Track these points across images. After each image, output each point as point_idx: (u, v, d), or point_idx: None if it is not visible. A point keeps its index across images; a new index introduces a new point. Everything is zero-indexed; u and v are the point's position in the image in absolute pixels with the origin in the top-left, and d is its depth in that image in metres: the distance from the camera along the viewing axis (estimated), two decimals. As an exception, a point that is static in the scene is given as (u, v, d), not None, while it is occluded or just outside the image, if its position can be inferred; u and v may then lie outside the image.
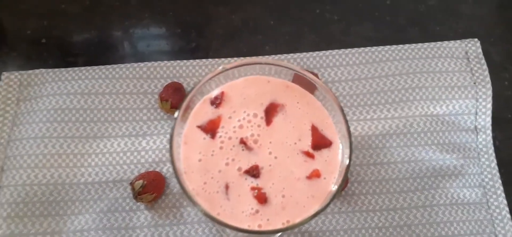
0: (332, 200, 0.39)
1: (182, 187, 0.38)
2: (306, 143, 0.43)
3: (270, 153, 0.43)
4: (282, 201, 0.41)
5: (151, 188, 0.56)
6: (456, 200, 0.59)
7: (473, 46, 0.66)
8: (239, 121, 0.45)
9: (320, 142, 0.43)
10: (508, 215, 0.59)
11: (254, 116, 0.45)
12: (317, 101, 0.46)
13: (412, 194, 0.60)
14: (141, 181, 0.56)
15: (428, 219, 0.59)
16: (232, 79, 0.46)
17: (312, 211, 0.39)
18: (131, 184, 0.57)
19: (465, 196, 0.60)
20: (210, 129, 0.44)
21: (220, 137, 0.44)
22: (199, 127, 0.44)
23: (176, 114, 0.42)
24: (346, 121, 0.41)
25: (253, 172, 0.42)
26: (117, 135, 0.61)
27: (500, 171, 0.61)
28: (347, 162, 0.41)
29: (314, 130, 0.44)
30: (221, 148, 0.43)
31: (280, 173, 0.42)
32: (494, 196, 0.60)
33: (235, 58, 0.66)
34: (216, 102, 0.45)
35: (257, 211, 0.41)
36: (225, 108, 0.45)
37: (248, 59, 0.44)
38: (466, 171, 0.61)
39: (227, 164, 0.43)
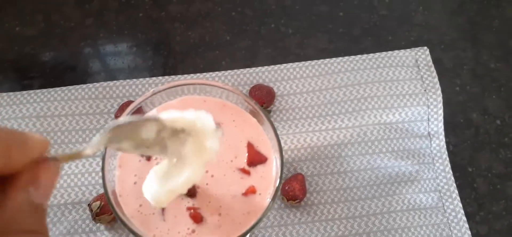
0: (265, 214, 0.40)
1: (114, 211, 0.38)
2: (242, 160, 0.44)
3: (206, 172, 0.43)
4: (218, 219, 0.41)
5: (109, 209, 0.56)
6: (413, 206, 0.61)
7: (423, 54, 0.68)
8: None
9: (255, 158, 0.44)
10: (464, 218, 0.60)
11: None
12: (253, 118, 0.46)
13: (369, 201, 0.61)
14: (98, 202, 0.56)
15: (386, 225, 0.60)
16: (167, 101, 0.46)
17: (247, 227, 0.39)
18: (89, 205, 0.57)
19: (421, 201, 0.61)
20: None
21: (156, 159, 0.44)
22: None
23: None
24: (277, 135, 0.42)
25: (190, 191, 0.42)
26: (74, 156, 0.61)
27: (454, 175, 0.63)
28: (278, 176, 0.42)
29: (250, 146, 0.44)
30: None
31: (216, 191, 0.42)
32: (450, 200, 0.61)
33: (192, 75, 0.66)
34: None
35: (193, 231, 0.41)
36: None
37: (180, 81, 0.44)
38: (422, 176, 0.62)
39: None
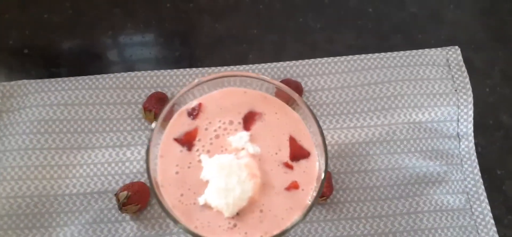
0: (309, 211, 0.39)
1: (158, 200, 0.38)
2: (285, 154, 0.43)
3: (259, 160, 0.43)
4: (260, 215, 0.41)
5: (136, 199, 0.56)
6: (440, 207, 0.60)
7: (454, 54, 0.67)
8: (215, 130, 0.45)
9: (298, 153, 0.43)
10: (492, 221, 0.60)
11: (230, 123, 0.45)
12: (295, 112, 0.46)
13: (396, 201, 0.60)
14: (125, 192, 0.56)
15: (412, 226, 0.59)
16: (208, 93, 0.46)
17: (290, 223, 0.39)
18: (116, 195, 0.57)
19: (448, 202, 0.60)
20: (187, 141, 0.44)
21: (197, 150, 0.44)
22: (175, 139, 0.44)
23: (153, 125, 0.42)
24: (322, 132, 0.42)
25: None
26: (101, 145, 0.61)
27: (483, 177, 0.62)
28: (323, 172, 0.41)
29: (292, 140, 0.44)
30: (199, 161, 0.43)
31: (261, 185, 0.42)
32: (478, 202, 0.60)
33: (219, 67, 0.66)
34: (193, 113, 0.45)
35: (235, 225, 0.41)
36: (202, 119, 0.45)
37: (224, 72, 0.44)
38: (449, 177, 0.62)
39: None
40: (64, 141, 0.60)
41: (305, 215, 0.39)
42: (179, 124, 0.45)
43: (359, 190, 0.60)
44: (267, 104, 0.46)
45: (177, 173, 0.42)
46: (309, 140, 0.44)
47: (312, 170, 0.43)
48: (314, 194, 0.40)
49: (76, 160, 0.60)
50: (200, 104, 0.46)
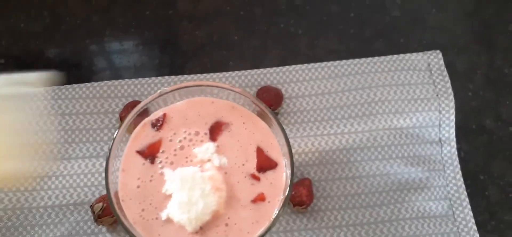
0: (274, 224, 0.39)
1: (117, 216, 0.37)
2: (252, 165, 0.43)
3: (225, 173, 0.42)
4: (225, 229, 0.40)
5: (111, 211, 0.55)
6: (423, 214, 0.59)
7: (435, 58, 0.66)
8: (180, 141, 0.44)
9: (265, 164, 0.42)
10: (474, 227, 0.59)
11: (196, 134, 0.44)
12: (263, 122, 0.45)
13: (377, 208, 0.59)
14: (101, 204, 0.55)
15: (394, 233, 0.58)
16: (173, 102, 0.45)
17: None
18: (91, 206, 0.56)
19: (431, 209, 0.60)
20: (150, 153, 0.43)
21: (160, 162, 0.43)
22: (138, 151, 0.43)
23: (115, 134, 0.41)
24: (288, 142, 0.41)
25: None
26: (77, 156, 0.60)
27: (466, 182, 0.61)
28: (289, 183, 0.40)
29: (260, 151, 0.43)
30: (161, 173, 0.42)
31: (226, 198, 0.41)
32: (460, 208, 0.60)
33: (199, 74, 0.65)
34: (157, 124, 0.44)
35: None
36: (166, 130, 0.44)
37: (188, 82, 0.43)
38: (432, 183, 0.61)
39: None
40: (39, 152, 0.59)
41: (270, 228, 0.38)
42: (142, 135, 0.44)
43: (341, 197, 0.60)
44: (235, 114, 0.45)
45: (138, 186, 0.41)
46: (276, 150, 0.43)
47: (279, 181, 0.42)
48: (281, 205, 0.39)
49: (51, 171, 0.59)
50: (164, 115, 0.45)
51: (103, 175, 0.59)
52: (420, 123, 0.63)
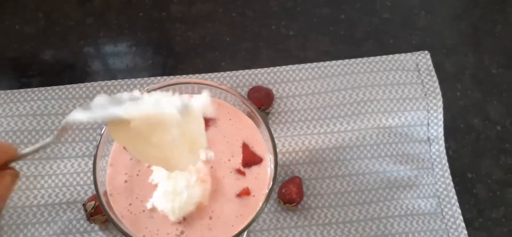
0: (257, 216, 0.39)
1: (105, 211, 0.38)
2: (238, 161, 0.43)
3: (211, 167, 0.43)
4: (209, 222, 0.41)
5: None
6: (411, 211, 0.60)
7: (424, 58, 0.68)
8: None
9: (250, 159, 0.43)
10: (463, 224, 0.60)
11: None
12: (249, 119, 0.46)
13: (367, 206, 0.60)
14: (93, 202, 0.56)
15: (383, 230, 0.59)
16: None
17: (239, 230, 0.39)
18: (84, 205, 0.56)
19: (420, 206, 0.60)
20: None
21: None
22: (125, 147, 0.44)
23: (103, 131, 0.42)
24: (272, 138, 0.42)
25: None
26: (70, 155, 0.61)
27: (454, 180, 0.62)
28: (273, 177, 0.41)
29: (245, 147, 0.44)
30: (148, 166, 0.43)
31: (211, 192, 0.42)
32: (448, 206, 0.61)
33: (191, 75, 0.66)
34: None
35: (182, 232, 0.40)
36: None
37: (175, 80, 0.44)
38: (420, 181, 0.62)
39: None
40: None
41: (253, 221, 0.39)
42: None
43: (330, 195, 0.60)
44: (221, 110, 0.46)
45: (125, 181, 0.42)
46: (262, 146, 0.44)
47: (264, 176, 0.43)
48: (265, 198, 0.40)
49: (44, 171, 0.59)
50: None
51: (96, 173, 0.60)
52: (409, 122, 0.64)
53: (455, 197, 0.61)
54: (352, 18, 0.73)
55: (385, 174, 0.61)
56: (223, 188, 0.42)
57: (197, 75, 0.66)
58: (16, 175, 0.32)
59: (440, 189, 0.62)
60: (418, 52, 0.68)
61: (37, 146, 0.34)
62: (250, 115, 0.45)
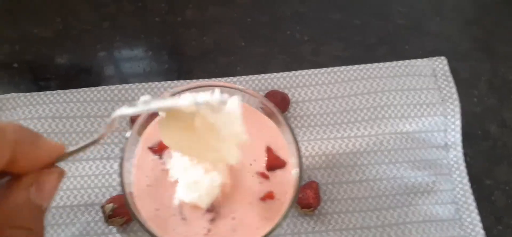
0: (283, 220, 0.39)
1: (132, 213, 0.38)
2: (261, 164, 0.43)
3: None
4: (233, 223, 0.40)
5: (122, 212, 0.56)
6: (429, 217, 0.60)
7: (440, 64, 0.67)
8: None
9: (274, 163, 0.43)
10: (482, 232, 0.59)
11: None
12: (271, 122, 0.46)
13: (385, 212, 0.60)
14: (111, 205, 0.56)
15: (401, 236, 0.59)
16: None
17: (264, 233, 0.38)
18: (102, 207, 0.57)
19: (438, 212, 0.60)
20: (161, 149, 0.44)
21: (169, 156, 0.43)
22: (150, 148, 0.44)
23: (127, 134, 0.42)
24: (296, 141, 0.42)
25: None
26: (88, 158, 0.61)
27: (472, 186, 0.62)
28: (298, 181, 0.41)
29: (269, 150, 0.44)
30: (163, 163, 0.43)
31: (234, 195, 0.42)
32: (467, 212, 0.60)
33: (206, 79, 0.66)
34: None
35: (209, 230, 0.40)
36: None
37: (198, 82, 0.44)
38: (438, 187, 0.61)
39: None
40: None
41: (279, 223, 0.38)
42: (155, 132, 0.45)
43: (347, 200, 0.60)
44: (244, 113, 0.45)
45: (150, 183, 0.42)
46: (285, 149, 0.44)
47: (287, 180, 0.43)
48: (290, 202, 0.40)
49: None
50: None
51: (114, 176, 0.60)
52: (426, 128, 0.64)
53: (474, 203, 0.61)
54: (365, 23, 0.73)
55: (402, 180, 0.61)
56: (246, 191, 0.42)
57: (212, 79, 0.66)
58: (62, 173, 0.31)
59: (458, 196, 0.61)
60: (435, 58, 0.68)
61: (83, 144, 0.34)
62: (272, 118, 0.45)
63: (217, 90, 0.34)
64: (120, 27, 0.72)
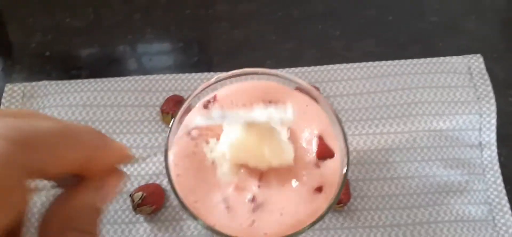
0: (327, 212, 0.38)
1: (178, 198, 0.38)
2: (312, 151, 0.42)
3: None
4: (281, 213, 0.39)
5: (151, 200, 0.56)
6: (462, 217, 0.58)
7: (476, 61, 0.66)
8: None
9: (325, 152, 0.42)
10: (516, 234, 0.58)
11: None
12: (322, 110, 0.45)
13: (416, 210, 0.58)
14: (140, 193, 0.56)
15: (432, 236, 0.57)
16: (229, 86, 0.45)
17: (307, 224, 0.37)
18: (131, 195, 0.57)
19: (470, 213, 0.58)
20: (201, 133, 0.43)
21: (209, 137, 0.43)
22: (189, 133, 0.43)
23: (171, 123, 0.42)
24: (344, 132, 0.41)
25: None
26: (117, 147, 0.61)
27: (506, 188, 0.60)
28: (344, 174, 0.40)
29: (321, 139, 0.43)
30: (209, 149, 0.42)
31: (281, 184, 0.41)
32: (501, 214, 0.59)
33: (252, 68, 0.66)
34: (209, 105, 0.44)
35: (253, 221, 0.40)
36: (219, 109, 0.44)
37: (245, 69, 0.43)
38: (471, 187, 0.60)
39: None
40: None
41: (323, 215, 0.38)
42: (194, 119, 0.44)
43: (378, 198, 0.59)
44: (295, 98, 0.44)
45: (191, 168, 0.41)
46: (333, 140, 0.43)
47: (335, 171, 0.41)
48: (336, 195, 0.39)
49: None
50: (215, 96, 0.45)
51: (142, 165, 0.60)
52: (460, 126, 0.62)
53: (508, 205, 0.59)
54: (399, 20, 0.72)
55: (434, 178, 0.60)
56: (295, 179, 0.41)
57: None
58: (124, 177, 0.31)
59: (492, 196, 0.60)
60: (470, 55, 0.66)
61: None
62: (323, 107, 0.44)
63: (289, 106, 0.36)
64: (151, 19, 0.72)
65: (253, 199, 0.40)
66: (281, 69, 0.66)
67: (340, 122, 0.42)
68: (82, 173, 0.28)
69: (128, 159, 0.31)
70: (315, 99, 0.45)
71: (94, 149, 0.27)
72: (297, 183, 0.41)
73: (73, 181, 0.28)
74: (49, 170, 0.25)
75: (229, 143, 0.40)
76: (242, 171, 0.41)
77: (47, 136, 0.25)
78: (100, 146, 0.28)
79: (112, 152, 0.29)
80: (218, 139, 0.42)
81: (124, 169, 0.55)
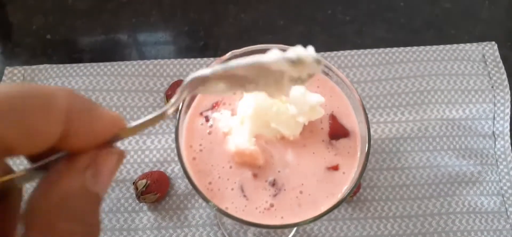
0: (349, 193, 0.37)
1: (190, 182, 0.36)
2: (325, 131, 0.40)
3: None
4: (298, 196, 0.38)
5: (155, 188, 0.54)
6: (474, 208, 0.57)
7: (491, 49, 0.64)
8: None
9: (338, 131, 0.40)
10: (529, 226, 0.56)
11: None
12: (337, 87, 0.43)
13: (427, 200, 0.57)
14: (144, 181, 0.54)
15: (443, 227, 0.56)
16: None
17: (327, 207, 0.36)
18: (134, 183, 0.55)
19: (483, 204, 0.57)
20: (213, 107, 0.42)
21: (221, 113, 0.41)
22: (202, 114, 0.42)
23: (180, 106, 0.40)
24: (365, 110, 0.39)
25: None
26: (121, 133, 0.59)
27: (519, 179, 0.59)
28: (366, 152, 0.38)
29: (333, 118, 0.41)
30: (223, 133, 0.41)
31: (300, 164, 0.39)
32: (514, 205, 0.57)
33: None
34: None
35: (271, 205, 0.38)
36: None
37: (260, 46, 0.41)
38: (484, 178, 0.58)
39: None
40: None
41: (339, 204, 0.36)
42: (205, 97, 0.43)
43: (388, 188, 0.57)
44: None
45: (203, 149, 0.40)
46: (351, 119, 0.41)
47: (353, 151, 0.40)
48: (356, 177, 0.37)
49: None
50: None
51: (146, 152, 0.58)
52: (473, 115, 0.60)
53: (521, 196, 0.58)
54: (412, 6, 0.70)
55: (446, 168, 0.58)
56: (314, 158, 0.39)
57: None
58: (122, 155, 0.26)
59: (505, 188, 0.58)
60: (484, 43, 0.65)
61: (148, 118, 0.27)
62: (342, 87, 0.42)
63: (310, 47, 0.30)
64: (157, 2, 0.70)
65: (273, 183, 0.38)
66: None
67: (360, 98, 0.40)
68: (65, 149, 0.23)
69: (123, 131, 0.25)
70: (335, 74, 0.43)
71: (77, 116, 0.22)
72: (313, 161, 0.39)
73: (58, 161, 0.23)
74: (13, 144, 0.20)
75: (245, 113, 0.39)
76: (259, 155, 0.39)
77: (2, 102, 0.20)
78: (84, 112, 0.23)
79: (101, 122, 0.24)
80: (232, 114, 0.41)
81: (128, 157, 0.53)
